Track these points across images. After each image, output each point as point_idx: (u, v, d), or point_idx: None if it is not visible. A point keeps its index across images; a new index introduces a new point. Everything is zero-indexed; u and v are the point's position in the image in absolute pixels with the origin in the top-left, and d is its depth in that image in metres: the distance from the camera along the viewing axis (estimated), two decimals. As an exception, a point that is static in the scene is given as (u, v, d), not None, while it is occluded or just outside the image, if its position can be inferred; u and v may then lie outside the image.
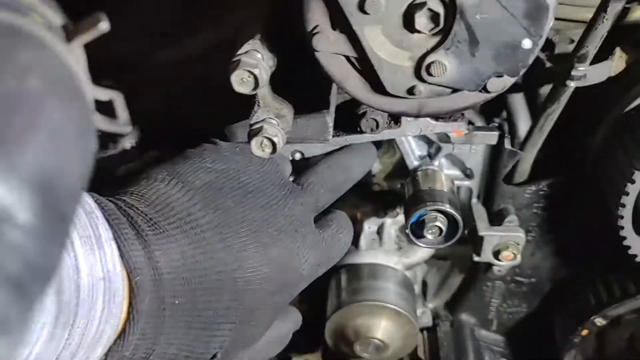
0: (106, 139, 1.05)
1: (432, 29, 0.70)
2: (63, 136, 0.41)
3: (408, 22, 0.69)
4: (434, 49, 0.71)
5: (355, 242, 1.32)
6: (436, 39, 0.71)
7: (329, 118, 0.96)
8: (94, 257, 0.66)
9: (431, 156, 1.18)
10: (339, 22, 0.70)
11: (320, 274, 0.97)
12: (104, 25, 0.45)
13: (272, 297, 0.85)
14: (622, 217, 1.03)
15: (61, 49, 0.44)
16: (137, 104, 1.02)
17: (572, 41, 1.16)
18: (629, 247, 1.08)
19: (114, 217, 0.73)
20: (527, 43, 0.70)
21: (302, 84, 0.90)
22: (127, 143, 1.08)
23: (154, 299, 0.73)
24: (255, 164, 0.91)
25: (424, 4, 0.67)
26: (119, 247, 0.70)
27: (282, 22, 0.81)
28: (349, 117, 1.08)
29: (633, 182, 0.99)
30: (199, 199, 0.81)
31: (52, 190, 0.39)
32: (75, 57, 0.45)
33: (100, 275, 0.66)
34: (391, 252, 1.31)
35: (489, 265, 1.27)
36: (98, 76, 0.98)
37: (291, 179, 1.00)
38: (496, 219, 1.20)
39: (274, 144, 0.79)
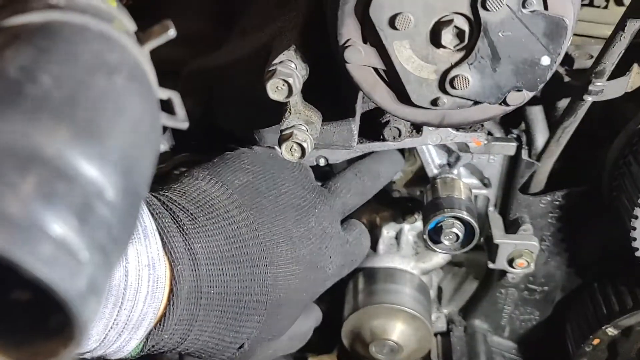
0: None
1: (457, 45, 0.74)
2: (141, 128, 0.47)
3: (435, 38, 0.74)
4: (458, 63, 0.75)
5: (374, 246, 1.36)
6: (460, 54, 0.75)
7: (354, 126, 1.01)
8: (140, 246, 0.72)
9: (450, 165, 1.22)
10: (370, 36, 0.74)
11: (344, 275, 1.02)
12: (172, 32, 0.51)
13: (299, 294, 0.90)
14: (634, 229, 1.07)
15: (138, 52, 0.50)
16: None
17: (591, 57, 1.20)
18: (641, 259, 1.11)
19: (157, 210, 0.79)
20: (545, 60, 0.74)
21: (331, 92, 0.94)
22: (161, 145, 1.13)
23: (192, 288, 0.78)
24: (288, 168, 0.97)
25: (451, 21, 0.72)
26: (161, 238, 0.76)
27: (315, 33, 0.86)
28: (373, 125, 1.13)
29: (646, 195, 1.02)
30: (237, 197, 0.87)
31: (131, 173, 0.45)
32: (146, 58, 0.51)
33: (146, 262, 0.72)
34: (408, 257, 1.35)
35: (503, 273, 1.31)
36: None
37: (319, 184, 1.05)
38: (511, 227, 1.24)
39: (302, 149, 0.84)
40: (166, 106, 0.53)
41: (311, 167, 1.10)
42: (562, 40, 0.73)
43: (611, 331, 1.23)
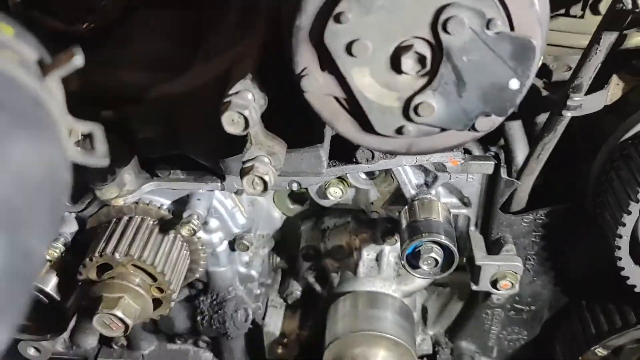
0: (106, 172, 1.06)
1: (420, 71, 0.70)
2: (31, 172, 0.41)
3: (395, 64, 0.70)
4: (421, 90, 0.71)
5: (354, 269, 1.32)
6: (423, 80, 0.71)
7: (323, 152, 0.97)
8: None
9: (428, 185, 1.18)
10: (327, 64, 0.70)
11: None
12: (78, 60, 0.46)
13: None
14: (619, 248, 1.03)
15: (34, 85, 0.45)
16: (137, 134, 1.04)
17: (570, 68, 1.16)
18: (627, 277, 1.07)
19: None
20: (514, 84, 0.70)
21: (295, 117, 0.90)
22: (126, 175, 1.09)
23: None
24: None
25: (411, 46, 0.68)
26: None
27: (274, 58, 0.82)
28: (344, 147, 1.09)
29: (629, 213, 0.99)
30: None
31: (20, 229, 0.39)
32: (49, 91, 0.46)
33: None
34: (389, 280, 1.31)
35: (488, 293, 1.26)
36: (99, 105, 0.99)
37: None
38: (494, 247, 1.20)
39: (265, 182, 0.80)
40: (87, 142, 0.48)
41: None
42: (530, 62, 0.69)
43: (600, 352, 1.19)
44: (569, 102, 1.00)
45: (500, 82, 0.70)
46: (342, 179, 1.21)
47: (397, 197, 1.23)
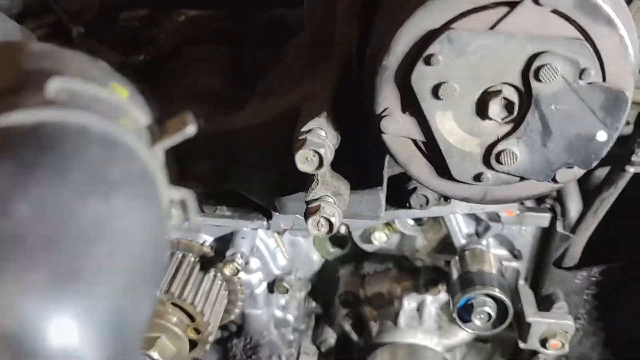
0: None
1: (505, 117, 0.68)
2: (142, 260, 0.37)
3: (481, 109, 0.67)
4: (505, 137, 0.69)
5: (394, 319, 1.27)
6: (508, 127, 0.69)
7: (382, 195, 0.94)
8: None
9: (479, 235, 1.14)
10: (410, 106, 0.68)
11: None
12: (191, 129, 0.42)
13: None
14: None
15: (147, 156, 0.40)
16: (188, 168, 1.02)
17: (628, 123, 1.14)
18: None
19: None
20: (602, 135, 0.68)
21: (357, 158, 0.88)
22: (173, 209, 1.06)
23: None
24: None
25: (499, 92, 0.66)
26: None
27: (347, 98, 0.80)
28: (398, 191, 1.07)
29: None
30: None
31: (124, 332, 0.34)
32: (157, 160, 0.42)
33: None
34: (431, 332, 1.26)
35: (534, 352, 1.21)
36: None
37: None
38: (544, 303, 1.16)
39: (330, 224, 0.77)
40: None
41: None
42: (621, 115, 0.66)
43: (653, 420, 1.12)
44: (633, 158, 0.98)
45: (587, 133, 0.67)
46: (388, 223, 1.19)
47: (445, 245, 1.20)
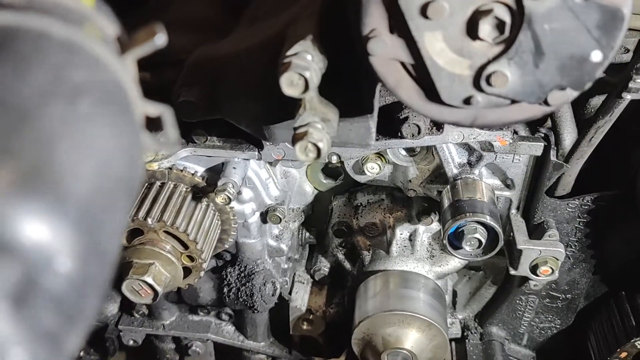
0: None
1: (496, 38, 0.65)
2: (112, 168, 0.36)
3: (471, 29, 0.65)
4: (496, 58, 0.67)
5: (387, 248, 1.28)
6: (499, 48, 0.66)
7: (372, 123, 0.93)
8: None
9: (471, 164, 1.14)
10: (398, 26, 0.66)
11: None
12: (160, 39, 0.41)
13: None
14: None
15: (115, 65, 0.39)
16: (176, 97, 1.00)
17: (627, 50, 1.11)
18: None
19: None
20: (596, 55, 0.66)
21: (347, 85, 0.86)
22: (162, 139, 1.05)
23: None
24: None
25: (491, 11, 0.63)
26: None
27: (334, 21, 0.77)
28: (390, 121, 1.05)
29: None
30: None
31: (98, 229, 0.34)
32: (127, 71, 0.41)
33: None
34: (423, 260, 1.27)
35: (524, 279, 1.23)
36: (137, 67, 0.95)
37: None
38: (535, 232, 1.16)
39: (318, 149, 0.76)
40: (154, 124, 0.44)
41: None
42: (617, 34, 0.64)
43: (640, 344, 1.15)
44: (631, 84, 0.95)
45: (581, 53, 0.65)
46: (380, 154, 1.18)
47: (437, 175, 1.20)
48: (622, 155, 1.15)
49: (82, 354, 1.57)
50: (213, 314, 1.48)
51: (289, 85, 0.70)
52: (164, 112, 0.44)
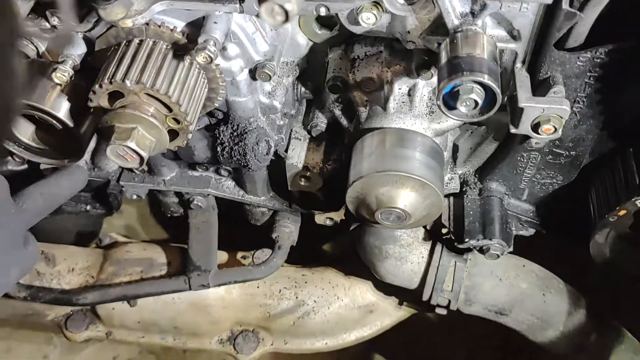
0: None
1: None
2: None
3: None
4: None
5: (384, 104, 1.22)
6: None
7: (356, -28, 0.83)
8: None
9: (474, 14, 1.03)
10: None
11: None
12: None
13: None
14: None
15: None
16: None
17: None
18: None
19: None
20: None
21: None
22: None
23: None
24: None
25: None
26: None
27: None
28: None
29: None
30: None
31: None
32: None
33: None
34: (421, 117, 1.21)
35: (526, 137, 1.17)
36: None
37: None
38: (540, 88, 1.08)
39: (286, 12, 0.68)
40: None
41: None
42: None
43: (641, 203, 1.12)
44: None
45: None
46: (376, 3, 1.07)
47: (438, 26, 1.09)
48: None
49: (88, 207, 1.61)
50: (212, 170, 1.48)
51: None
52: None
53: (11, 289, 1.16)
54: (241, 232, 1.66)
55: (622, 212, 1.14)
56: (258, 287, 1.61)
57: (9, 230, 0.94)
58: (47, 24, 1.01)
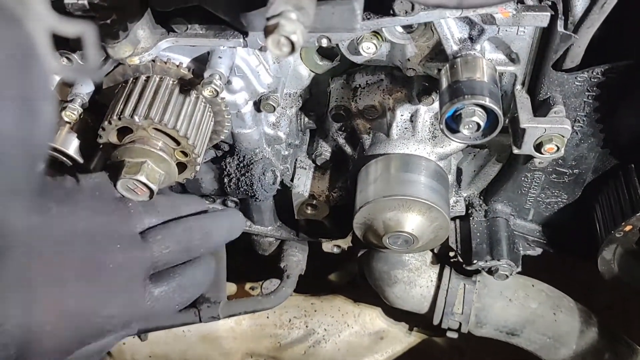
0: (117, 28, 0.96)
1: None
2: None
3: None
4: None
5: (387, 131, 1.24)
6: None
7: (357, 4, 0.85)
8: None
9: (473, 39, 1.06)
10: None
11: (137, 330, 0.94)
12: None
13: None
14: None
15: None
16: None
17: None
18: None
19: None
20: None
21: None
22: (140, 30, 0.99)
23: None
24: (101, 213, 0.89)
25: None
26: None
27: None
28: (381, -2, 0.97)
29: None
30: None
31: None
32: None
33: None
34: (424, 142, 1.23)
35: (529, 157, 1.19)
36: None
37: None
38: (541, 108, 1.10)
39: (292, 43, 0.70)
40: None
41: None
42: None
43: (646, 218, 1.13)
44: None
45: None
46: (376, 33, 1.10)
47: (437, 52, 1.12)
48: (637, 22, 1.06)
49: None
50: (219, 202, 1.49)
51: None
52: (85, 31, 0.39)
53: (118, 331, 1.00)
54: (247, 263, 1.66)
55: (628, 228, 1.15)
56: (268, 317, 1.61)
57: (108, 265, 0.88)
58: (65, 60, 1.03)
